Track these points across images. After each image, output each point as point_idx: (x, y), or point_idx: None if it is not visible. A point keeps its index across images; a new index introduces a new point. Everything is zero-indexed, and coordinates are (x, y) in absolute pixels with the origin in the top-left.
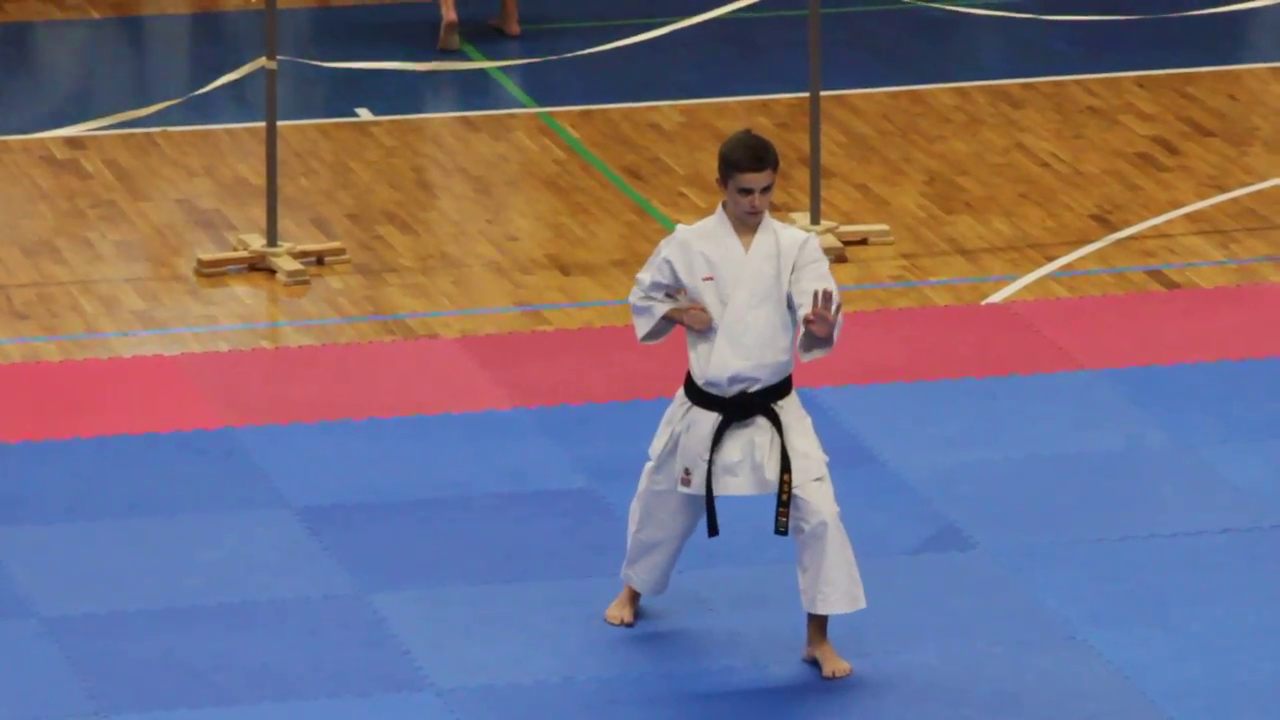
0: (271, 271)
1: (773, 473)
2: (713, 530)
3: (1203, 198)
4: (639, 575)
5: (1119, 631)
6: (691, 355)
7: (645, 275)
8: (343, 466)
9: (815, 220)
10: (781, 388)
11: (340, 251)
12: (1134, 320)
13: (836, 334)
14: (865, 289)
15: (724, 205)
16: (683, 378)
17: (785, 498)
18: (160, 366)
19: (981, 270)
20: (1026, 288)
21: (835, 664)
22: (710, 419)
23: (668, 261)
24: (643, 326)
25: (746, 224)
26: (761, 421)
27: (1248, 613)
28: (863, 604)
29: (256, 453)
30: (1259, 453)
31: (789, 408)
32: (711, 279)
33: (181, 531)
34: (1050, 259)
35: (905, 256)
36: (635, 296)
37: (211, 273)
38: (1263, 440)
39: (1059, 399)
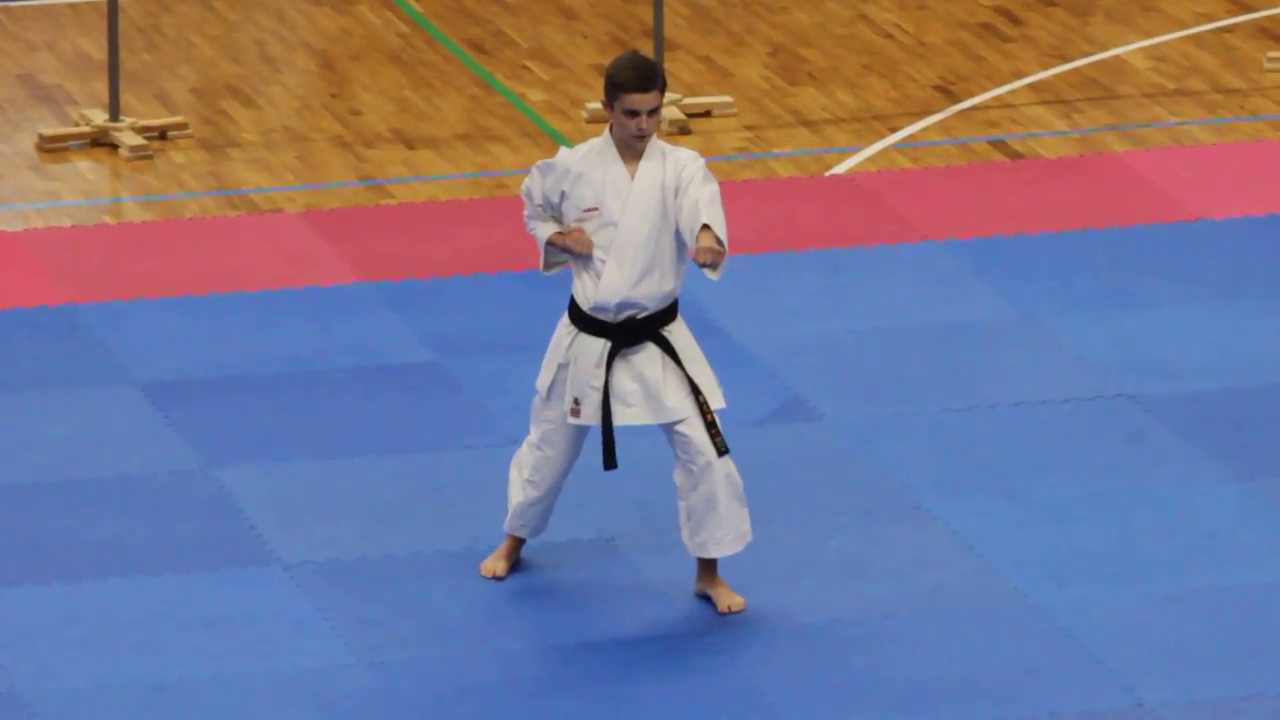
0: (114, 147)
1: (673, 400)
2: (610, 463)
3: (1045, 68)
4: (528, 521)
5: (963, 501)
6: (576, 281)
7: (531, 186)
8: (187, 342)
9: None
10: (669, 313)
11: (183, 126)
12: (977, 191)
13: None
14: (710, 161)
15: (610, 129)
16: (523, 250)
17: (710, 419)
18: (2, 242)
19: (825, 141)
20: (870, 159)
21: (730, 599)
22: (598, 345)
23: (543, 186)
24: (541, 255)
25: (633, 148)
26: (651, 348)
27: (1090, 481)
28: (750, 538)
29: (100, 329)
30: (1100, 322)
31: (679, 334)
32: (596, 209)
33: (25, 408)
34: (894, 130)
35: (749, 128)
36: (526, 211)
37: (54, 148)
38: (1104, 310)
39: (903, 270)
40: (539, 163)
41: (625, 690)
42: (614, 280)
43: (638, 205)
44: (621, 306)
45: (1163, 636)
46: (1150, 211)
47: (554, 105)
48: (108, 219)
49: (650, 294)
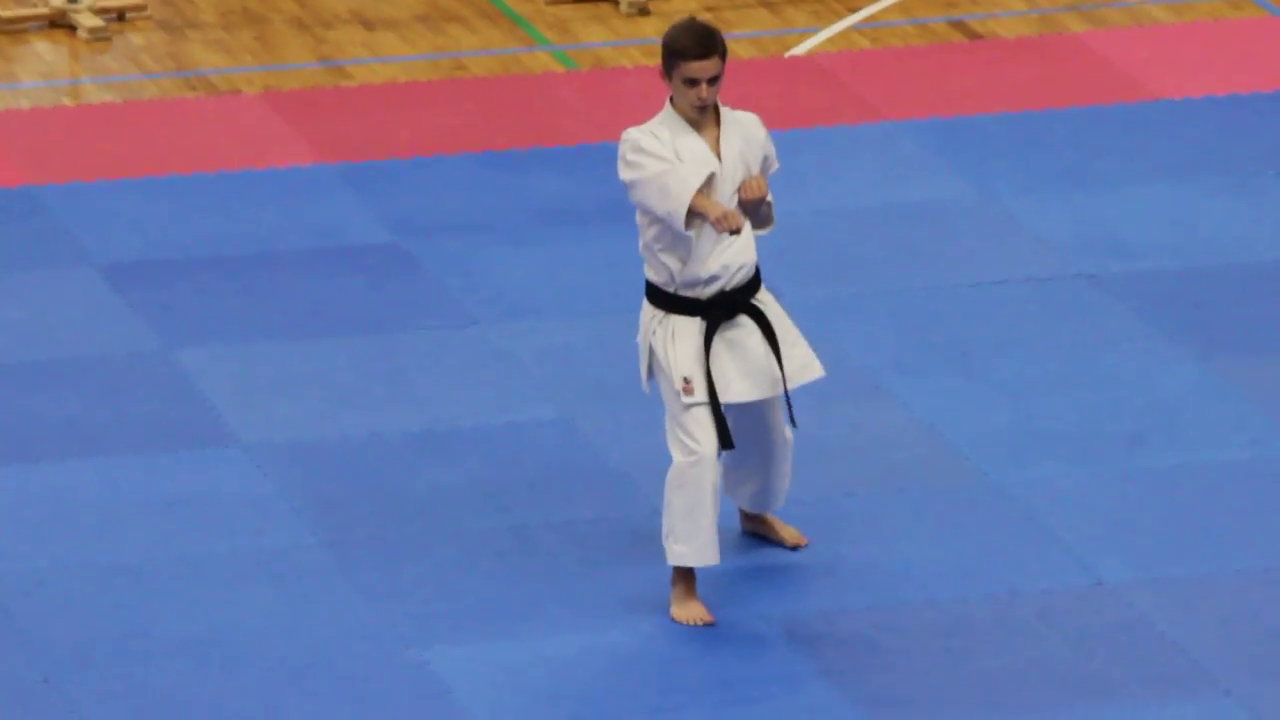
0: (72, 28)
1: (776, 372)
2: (726, 444)
3: None
4: (695, 543)
5: (923, 381)
6: (654, 263)
7: (646, 146)
8: (147, 224)
9: None
10: (755, 284)
11: (142, 7)
12: (937, 71)
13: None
14: None
15: (671, 101)
16: (482, 131)
17: (786, 390)
18: None
19: (784, 22)
20: (830, 39)
21: (791, 532)
22: (695, 324)
23: (657, 146)
24: (672, 207)
25: (698, 119)
26: (746, 321)
27: (1049, 361)
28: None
29: (60, 211)
30: (1060, 202)
31: (770, 305)
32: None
33: None
34: (853, 10)
35: (708, 9)
36: (642, 170)
37: (11, 30)
38: (1064, 189)
39: (863, 151)
40: (638, 136)
41: (585, 571)
42: (703, 252)
43: (727, 174)
44: (712, 279)
45: (1121, 515)
46: (1110, 91)
47: None
48: (66, 101)
49: (735, 262)
